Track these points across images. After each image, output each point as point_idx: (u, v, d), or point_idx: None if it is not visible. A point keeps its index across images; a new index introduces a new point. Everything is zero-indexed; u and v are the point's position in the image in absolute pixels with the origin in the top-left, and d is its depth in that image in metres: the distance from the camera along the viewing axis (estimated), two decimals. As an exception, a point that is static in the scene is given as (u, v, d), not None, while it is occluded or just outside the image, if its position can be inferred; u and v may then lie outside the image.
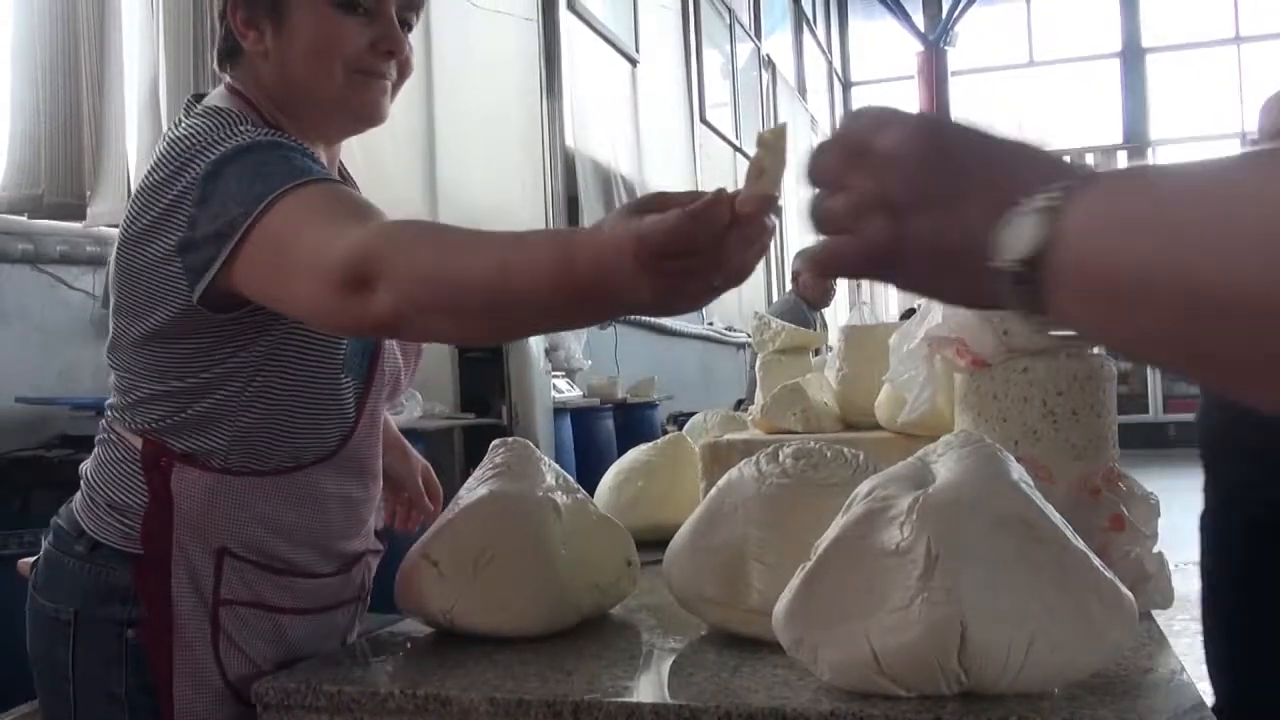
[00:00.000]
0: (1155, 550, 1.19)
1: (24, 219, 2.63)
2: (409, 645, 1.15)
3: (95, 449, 1.20)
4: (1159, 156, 14.08)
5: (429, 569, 1.16)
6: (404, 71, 1.21)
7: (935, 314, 1.24)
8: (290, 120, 1.18)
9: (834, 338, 1.72)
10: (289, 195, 1.00)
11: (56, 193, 2.63)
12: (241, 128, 1.09)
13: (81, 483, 1.20)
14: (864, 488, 0.95)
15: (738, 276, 0.82)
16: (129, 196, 3.09)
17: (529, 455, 1.27)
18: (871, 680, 0.88)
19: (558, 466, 1.29)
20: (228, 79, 1.20)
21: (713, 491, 1.16)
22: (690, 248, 0.78)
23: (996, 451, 0.94)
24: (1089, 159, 14.10)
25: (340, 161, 1.30)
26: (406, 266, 0.91)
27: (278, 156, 1.04)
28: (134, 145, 2.92)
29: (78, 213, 2.70)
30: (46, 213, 2.63)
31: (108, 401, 1.20)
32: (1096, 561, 0.89)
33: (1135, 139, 14.25)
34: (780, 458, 1.13)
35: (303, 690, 1.01)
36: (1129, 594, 0.90)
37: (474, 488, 1.23)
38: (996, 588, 0.85)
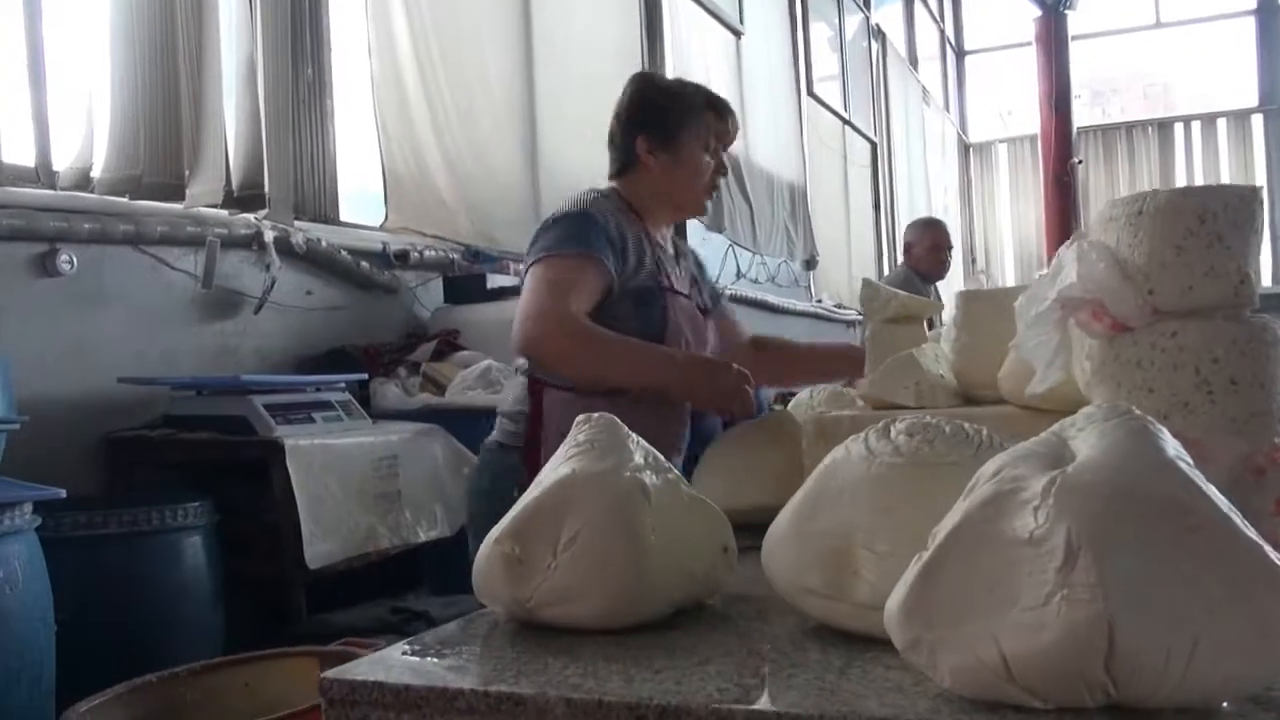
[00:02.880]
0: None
1: (125, 200, 2.64)
2: (485, 638, 1.07)
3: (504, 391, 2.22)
4: (1297, 119, 13.27)
5: (507, 555, 1.07)
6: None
7: (1069, 271, 1.10)
8: (645, 210, 2.11)
9: (950, 306, 1.58)
10: (561, 258, 1.92)
11: (156, 174, 2.63)
12: (588, 201, 2.04)
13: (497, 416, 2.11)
14: (990, 467, 0.83)
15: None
16: (227, 177, 3.17)
17: (616, 431, 1.17)
18: (1000, 689, 0.76)
19: (647, 445, 1.19)
20: (615, 184, 2.15)
21: (816, 471, 1.05)
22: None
23: (1148, 424, 0.81)
24: (1221, 126, 13.36)
25: (674, 236, 2.25)
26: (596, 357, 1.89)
27: (580, 224, 1.96)
28: (232, 126, 2.92)
29: (177, 193, 2.71)
30: (146, 193, 2.64)
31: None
32: (1271, 552, 0.75)
33: (1272, 101, 13.44)
34: (892, 434, 1.01)
35: (368, 685, 0.93)
36: (1311, 590, 0.75)
37: (556, 466, 1.14)
38: (1151, 583, 0.73)
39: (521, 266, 2.03)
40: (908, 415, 1.06)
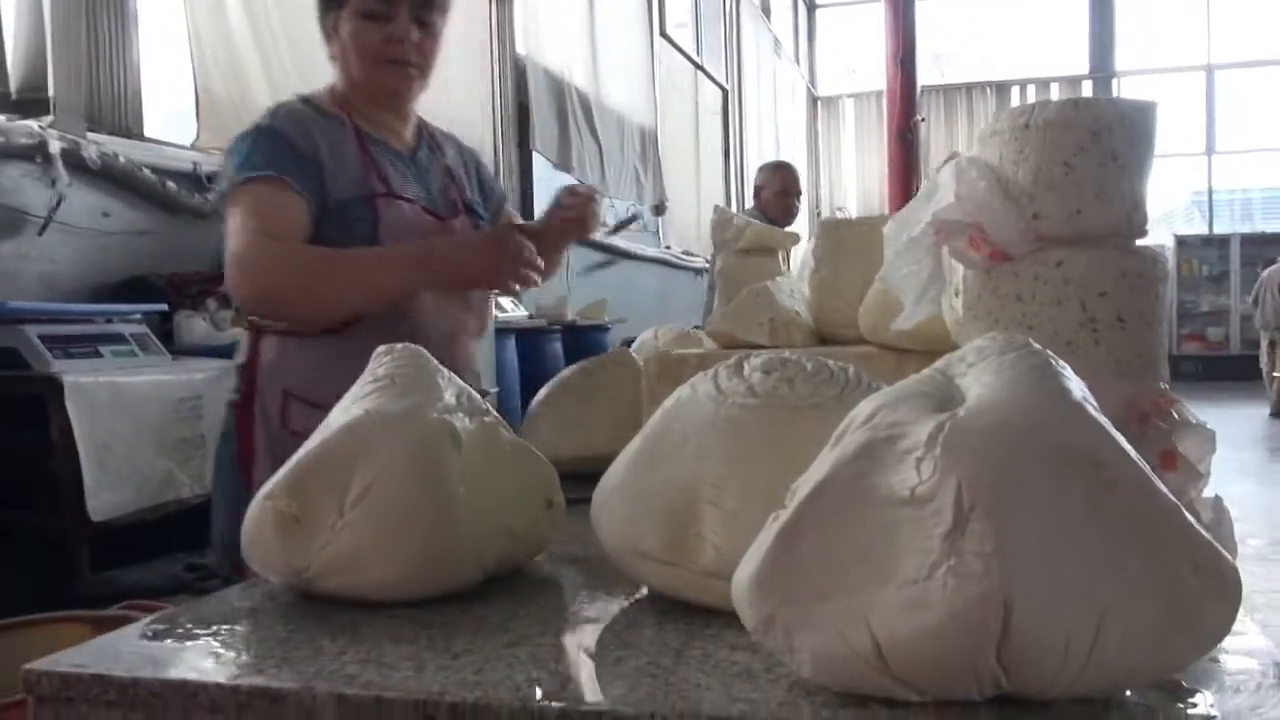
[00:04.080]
0: (1211, 495, 0.94)
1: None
2: (253, 615, 0.87)
3: None
4: (1124, 88, 13.87)
5: (282, 513, 0.88)
6: (427, 59, 1.68)
7: (945, 192, 0.97)
8: (359, 104, 1.69)
9: (807, 237, 1.44)
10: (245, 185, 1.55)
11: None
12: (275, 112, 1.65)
13: None
14: (863, 410, 0.69)
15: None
16: (3, 76, 2.75)
17: (422, 365, 0.99)
18: (870, 678, 0.62)
19: (461, 381, 1.01)
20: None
21: (656, 415, 0.90)
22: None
23: (1050, 360, 0.68)
24: (1055, 90, 13.90)
25: (419, 117, 1.80)
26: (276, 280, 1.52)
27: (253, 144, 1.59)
28: (10, 17, 2.54)
29: None
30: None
31: None
32: (1189, 516, 0.63)
33: (1101, 70, 14.00)
34: (745, 371, 0.86)
35: (86, 679, 0.73)
36: (1230, 558, 0.64)
37: (347, 407, 0.95)
38: (1055, 553, 0.59)
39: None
40: (763, 353, 0.91)
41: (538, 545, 0.99)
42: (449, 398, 0.97)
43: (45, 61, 2.66)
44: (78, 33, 2.77)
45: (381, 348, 1.01)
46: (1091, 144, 0.92)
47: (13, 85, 2.62)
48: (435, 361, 1.01)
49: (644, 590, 0.88)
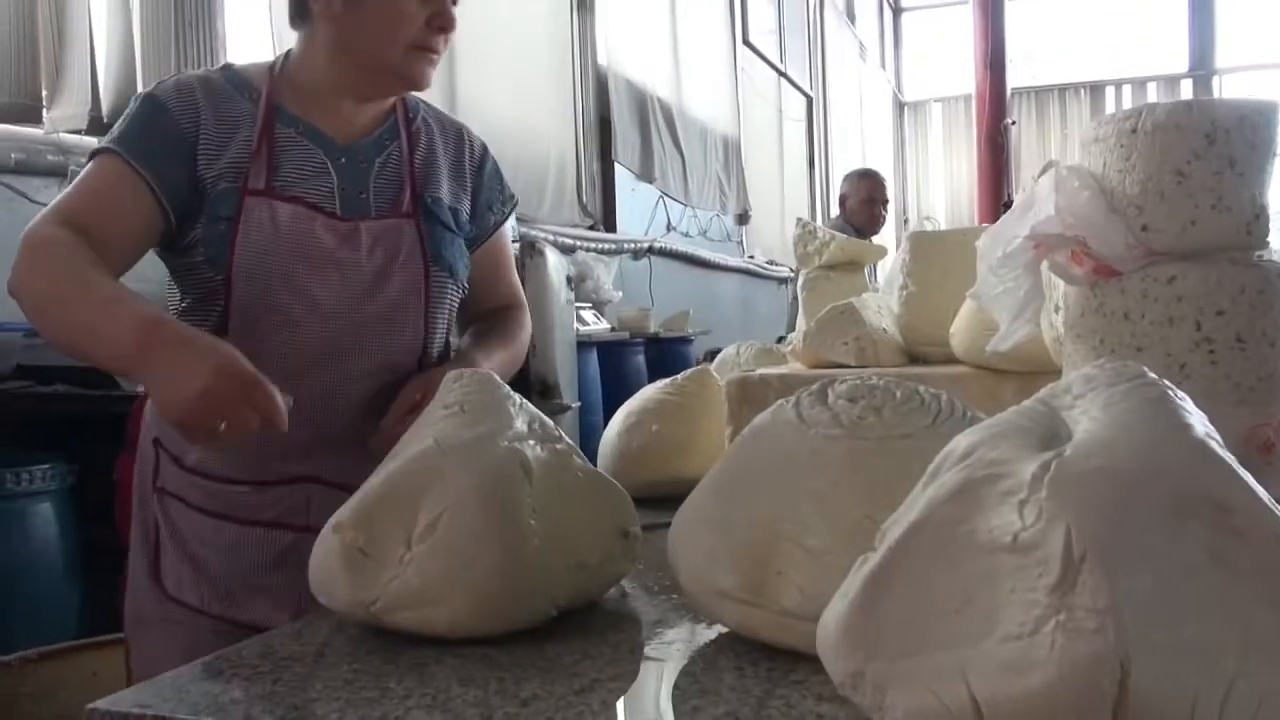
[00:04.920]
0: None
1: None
2: (318, 652, 0.85)
3: None
4: (1225, 86, 13.39)
5: (349, 545, 0.86)
6: (448, 41, 1.36)
7: (1045, 204, 0.90)
8: (299, 82, 1.35)
9: (895, 251, 1.38)
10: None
11: (8, 93, 2.33)
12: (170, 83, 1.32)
13: None
14: (960, 445, 0.63)
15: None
16: (94, 100, 2.73)
17: (493, 391, 0.96)
18: (970, 742, 0.57)
19: (533, 408, 0.98)
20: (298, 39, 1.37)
21: (735, 444, 0.85)
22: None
23: (1168, 392, 0.61)
24: (1152, 90, 13.44)
25: (414, 99, 1.46)
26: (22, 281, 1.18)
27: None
28: (102, 43, 2.61)
29: (33, 116, 2.40)
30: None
31: None
32: (1329, 565, 0.57)
33: (1201, 67, 13.52)
34: (830, 399, 0.81)
35: (136, 714, 0.71)
36: (1377, 615, 0.57)
37: (416, 434, 0.93)
38: (1177, 608, 0.53)
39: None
40: (848, 376, 0.86)
41: (612, 578, 0.95)
42: (520, 425, 0.93)
43: (135, 85, 2.72)
44: (166, 55, 2.83)
45: (452, 373, 0.99)
46: (1206, 149, 0.85)
47: (105, 108, 2.68)
48: (507, 387, 0.98)
49: (724, 632, 0.84)
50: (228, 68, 1.36)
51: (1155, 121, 0.87)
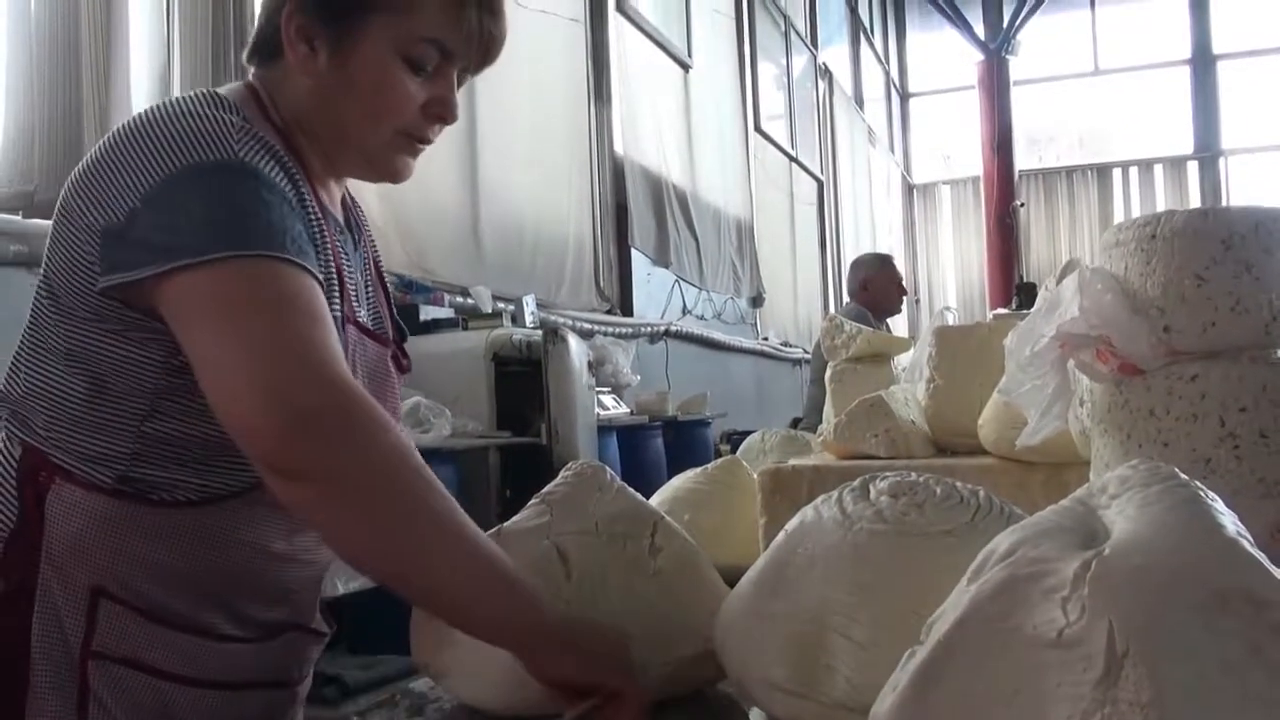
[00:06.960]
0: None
1: (17, 218, 2.42)
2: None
3: None
4: (1231, 167, 13.54)
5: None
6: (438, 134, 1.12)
7: (1070, 304, 0.95)
8: (309, 143, 1.06)
9: (919, 343, 1.43)
10: (260, 263, 0.88)
11: (52, 189, 2.41)
12: (239, 138, 0.93)
13: None
14: (1002, 544, 0.67)
15: None
16: None
17: (582, 483, 1.00)
18: (1021, 833, 0.59)
19: (635, 496, 1.02)
20: (251, 75, 1.08)
21: (779, 538, 0.88)
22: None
23: (1200, 493, 0.65)
24: (1158, 172, 13.58)
25: (346, 188, 1.17)
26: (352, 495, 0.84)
27: (256, 197, 0.91)
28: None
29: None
30: (40, 211, 2.41)
31: None
32: (1361, 660, 0.59)
33: (1206, 149, 13.69)
34: (872, 494, 0.84)
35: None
36: None
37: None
38: (1217, 702, 0.56)
39: (107, 275, 0.92)
40: (887, 472, 0.89)
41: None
42: (596, 519, 0.97)
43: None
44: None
45: (571, 463, 1.03)
46: (1224, 255, 0.90)
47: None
48: (608, 477, 1.01)
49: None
50: (243, 116, 0.98)
51: (1174, 228, 0.92)
